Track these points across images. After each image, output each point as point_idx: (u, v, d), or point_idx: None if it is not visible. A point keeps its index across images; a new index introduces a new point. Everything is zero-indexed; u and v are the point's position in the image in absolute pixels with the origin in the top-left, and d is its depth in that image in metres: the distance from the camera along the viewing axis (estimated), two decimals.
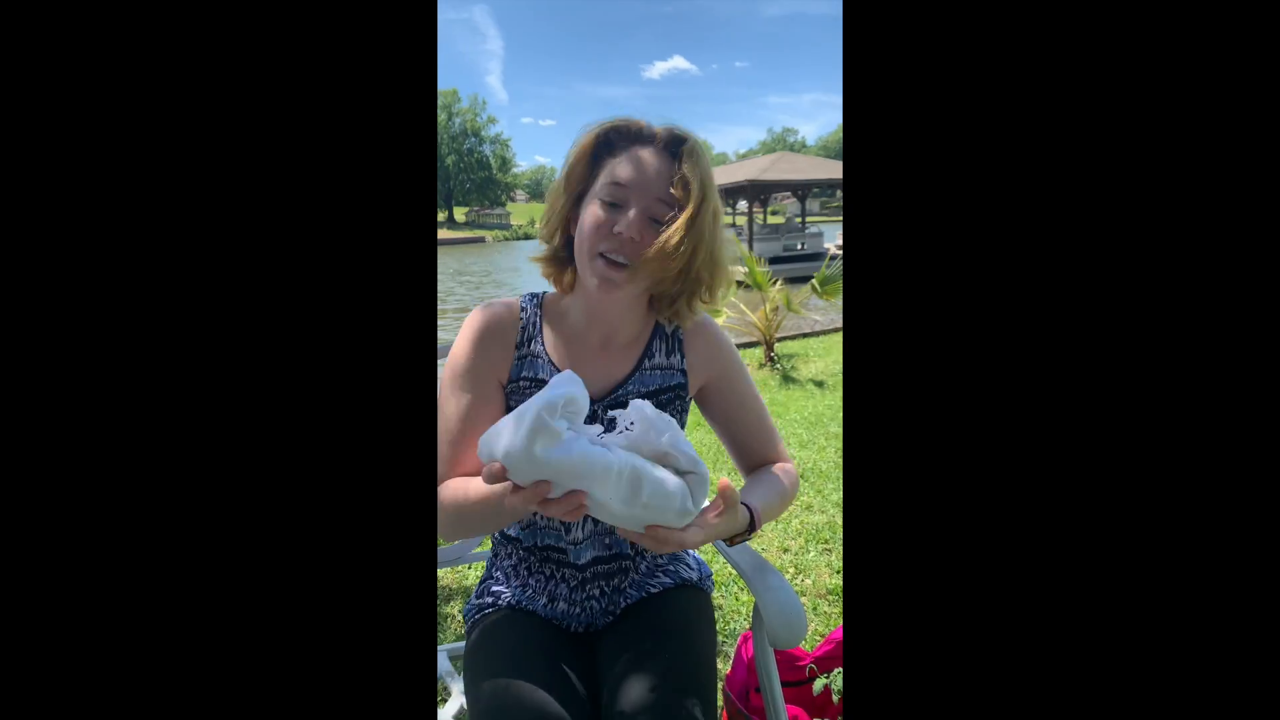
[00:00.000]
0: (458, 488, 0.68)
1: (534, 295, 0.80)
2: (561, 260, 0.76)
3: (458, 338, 0.76)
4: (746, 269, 4.45)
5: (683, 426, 0.79)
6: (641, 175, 0.68)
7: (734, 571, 1.77)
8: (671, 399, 0.77)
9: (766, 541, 1.97)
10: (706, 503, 0.61)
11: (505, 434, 0.52)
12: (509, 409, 0.75)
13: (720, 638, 1.52)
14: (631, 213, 0.67)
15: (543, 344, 0.76)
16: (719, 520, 0.62)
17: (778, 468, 0.81)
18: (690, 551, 0.88)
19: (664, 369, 0.77)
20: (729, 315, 4.43)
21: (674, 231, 0.66)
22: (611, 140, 0.72)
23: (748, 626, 1.54)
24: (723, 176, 18.73)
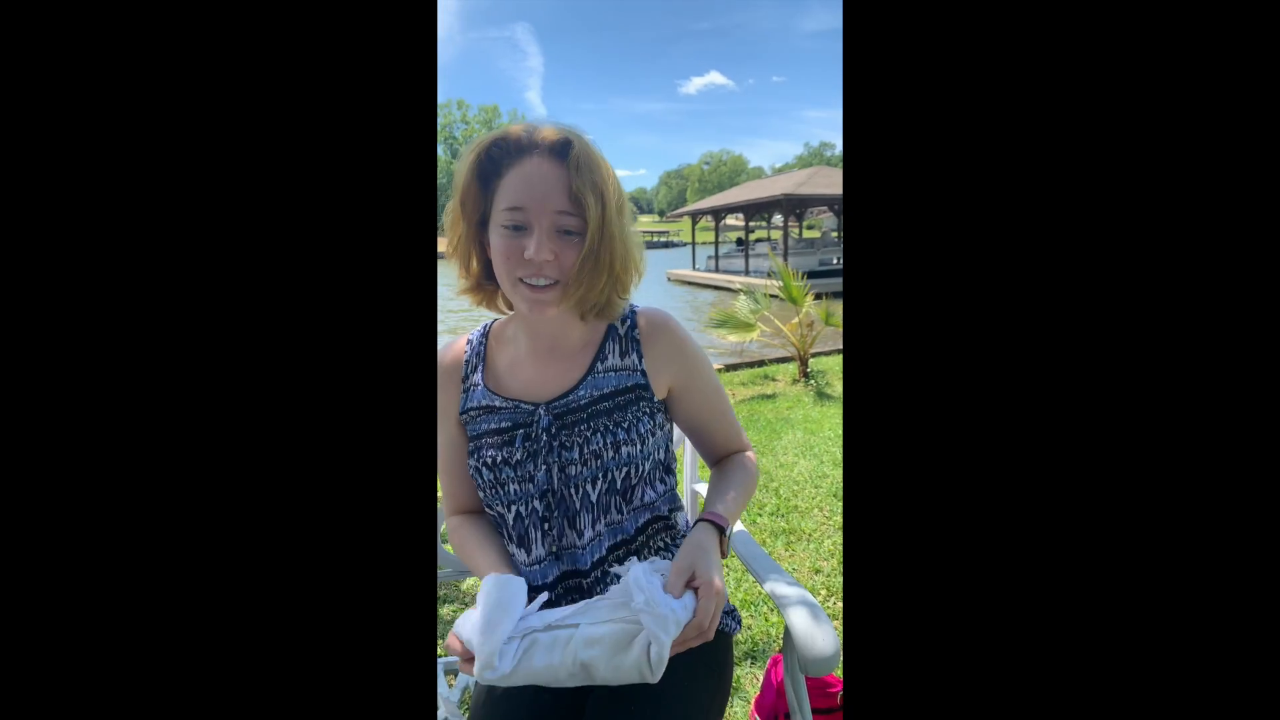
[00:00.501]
0: (460, 541, 0.78)
1: (484, 326, 0.82)
2: (487, 288, 0.76)
3: None
4: (781, 283, 4.41)
5: (657, 429, 0.76)
6: (536, 192, 0.65)
7: (764, 592, 1.73)
8: (633, 400, 0.74)
9: (798, 562, 1.92)
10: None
11: (472, 641, 0.61)
12: (469, 438, 0.78)
13: (749, 660, 1.48)
14: (536, 234, 0.65)
15: (482, 373, 0.78)
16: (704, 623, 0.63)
17: (741, 458, 0.82)
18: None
19: (619, 370, 0.75)
20: (762, 330, 4.38)
21: (589, 249, 0.66)
22: (494, 157, 0.67)
23: (778, 649, 1.50)
24: (758, 190, 18.67)
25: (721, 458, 0.84)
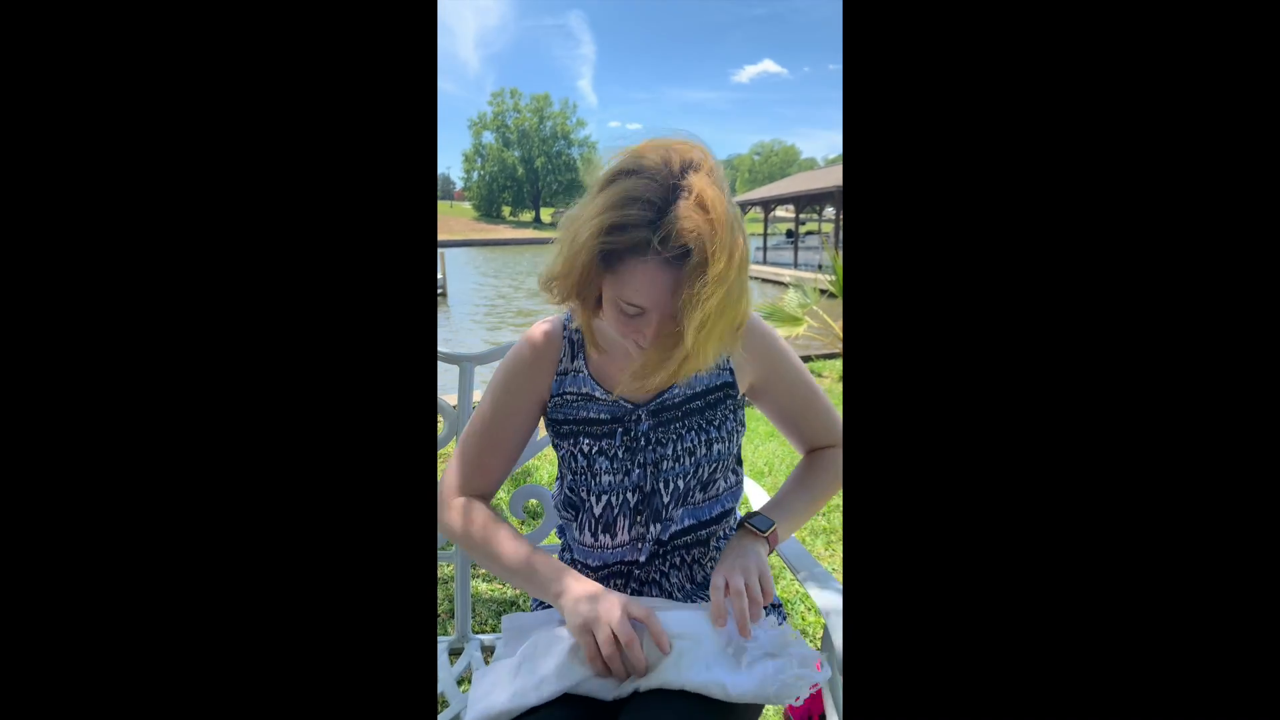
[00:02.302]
0: (486, 533, 0.76)
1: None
2: (582, 304, 0.72)
3: (511, 349, 0.81)
4: (834, 276, 4.31)
5: (739, 424, 0.80)
6: (655, 296, 0.63)
7: (803, 590, 1.71)
8: (721, 398, 0.79)
9: (839, 562, 1.89)
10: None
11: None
12: (552, 421, 0.80)
13: None
14: (652, 326, 0.65)
15: (584, 360, 0.79)
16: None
17: (826, 457, 0.84)
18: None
19: (709, 370, 0.78)
20: (810, 324, 4.31)
21: (684, 349, 0.63)
22: (617, 249, 0.63)
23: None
24: (809, 182, 18.30)
25: (813, 449, 0.86)
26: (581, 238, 0.63)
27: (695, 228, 0.60)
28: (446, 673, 1.00)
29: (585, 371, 0.79)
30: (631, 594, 0.78)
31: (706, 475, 0.77)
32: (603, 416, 0.77)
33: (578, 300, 0.69)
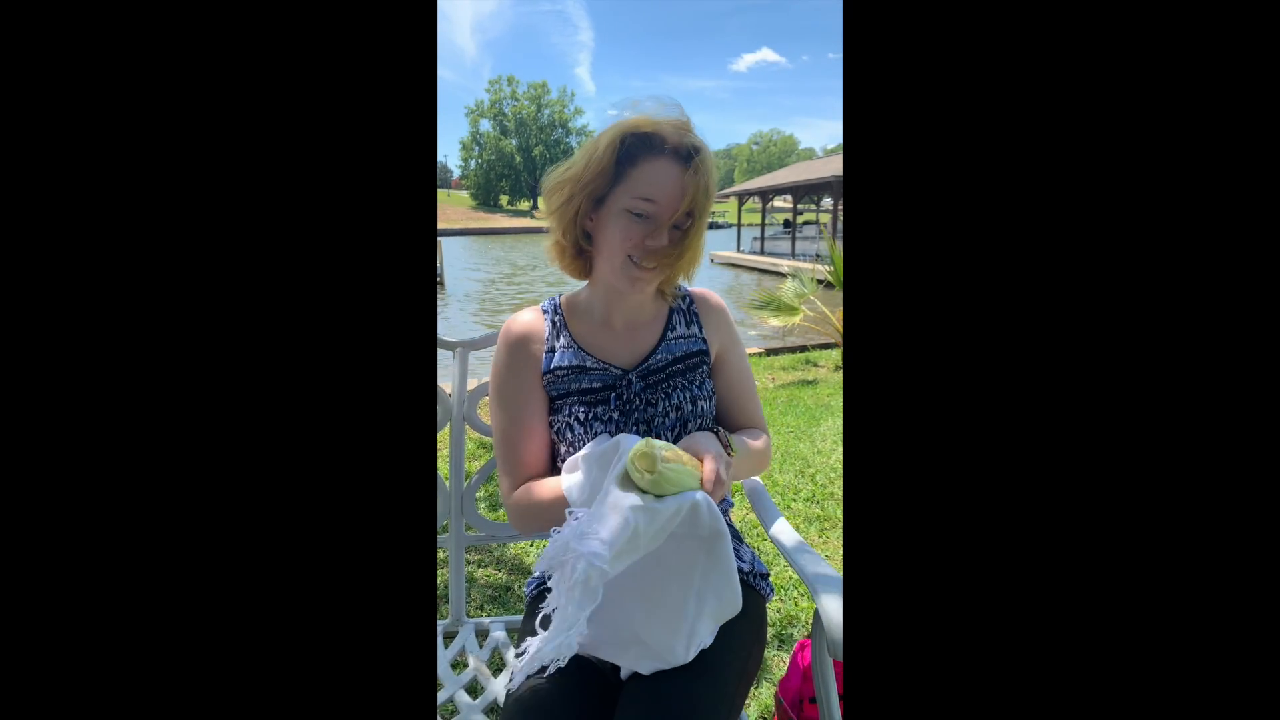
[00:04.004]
0: (535, 490, 0.79)
1: (553, 300, 0.90)
2: (580, 253, 0.85)
3: (495, 353, 0.86)
4: (831, 267, 4.32)
5: (712, 392, 0.87)
6: (668, 192, 0.75)
7: (796, 576, 1.73)
8: (698, 364, 0.87)
9: (832, 549, 1.91)
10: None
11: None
12: (549, 399, 0.84)
13: (776, 643, 1.48)
14: (663, 229, 0.76)
15: (571, 336, 0.86)
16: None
17: (754, 431, 0.91)
18: (745, 546, 0.91)
19: (686, 338, 0.88)
20: (806, 314, 4.31)
21: (694, 239, 0.78)
22: (631, 148, 0.76)
23: (806, 634, 1.50)
24: (808, 172, 18.23)
25: (739, 429, 0.91)
26: (595, 154, 0.76)
27: (699, 142, 0.77)
28: (441, 655, 1.01)
29: (575, 346, 0.84)
30: None
31: (693, 430, 0.83)
32: (595, 385, 0.82)
33: (577, 228, 0.80)
